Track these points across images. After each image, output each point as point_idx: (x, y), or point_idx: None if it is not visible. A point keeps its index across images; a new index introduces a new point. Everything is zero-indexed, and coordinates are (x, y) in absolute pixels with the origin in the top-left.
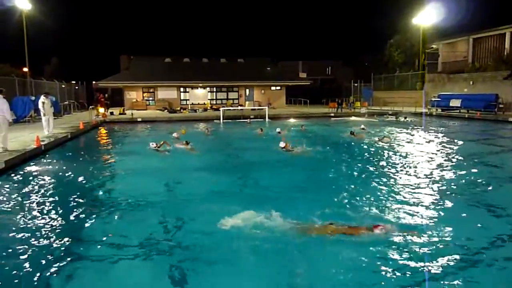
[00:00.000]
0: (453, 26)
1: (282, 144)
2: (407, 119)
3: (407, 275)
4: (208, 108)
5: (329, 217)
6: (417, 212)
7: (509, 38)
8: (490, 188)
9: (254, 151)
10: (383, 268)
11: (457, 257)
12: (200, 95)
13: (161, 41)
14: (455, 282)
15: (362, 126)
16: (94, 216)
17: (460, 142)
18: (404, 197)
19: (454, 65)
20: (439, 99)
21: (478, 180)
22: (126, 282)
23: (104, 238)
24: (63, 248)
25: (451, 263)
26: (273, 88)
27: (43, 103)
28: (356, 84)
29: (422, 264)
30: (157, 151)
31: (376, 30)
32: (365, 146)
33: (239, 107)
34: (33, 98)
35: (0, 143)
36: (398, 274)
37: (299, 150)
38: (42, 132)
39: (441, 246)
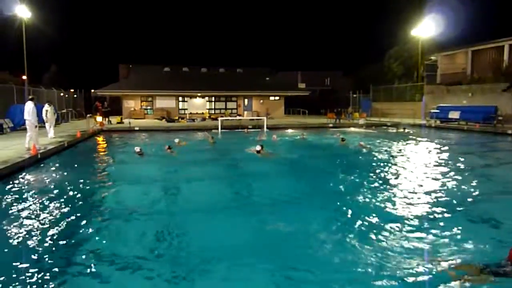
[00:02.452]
0: (452, 38)
1: (258, 148)
2: (406, 130)
3: None
4: (207, 117)
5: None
6: (412, 226)
7: (508, 51)
8: (489, 202)
9: (250, 161)
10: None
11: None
12: (198, 104)
13: (160, 50)
14: None
15: (341, 136)
16: (89, 226)
17: (459, 155)
18: (398, 210)
19: (453, 76)
20: (438, 111)
21: (476, 194)
22: None
23: (99, 250)
24: (54, 260)
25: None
26: (272, 98)
27: (47, 111)
28: (355, 95)
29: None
30: (171, 152)
31: (375, 42)
32: (357, 156)
33: (238, 117)
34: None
35: (26, 143)
36: None
37: (272, 155)
38: (46, 138)
39: (437, 264)
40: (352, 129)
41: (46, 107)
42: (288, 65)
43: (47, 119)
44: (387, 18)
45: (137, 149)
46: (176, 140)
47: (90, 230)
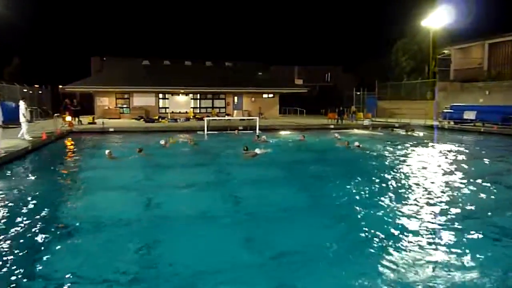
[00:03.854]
0: (467, 29)
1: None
2: (414, 132)
3: None
4: (191, 117)
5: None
6: (427, 238)
7: None
8: (509, 213)
9: (239, 167)
10: None
11: None
12: (182, 102)
13: (138, 40)
14: None
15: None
16: (49, 245)
17: (475, 160)
18: (411, 222)
19: (468, 72)
20: (452, 111)
21: (495, 205)
22: None
23: (58, 272)
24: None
25: None
26: (265, 95)
27: (26, 108)
28: (358, 93)
29: None
30: (143, 154)
31: (381, 33)
32: (362, 161)
33: (226, 117)
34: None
35: None
36: None
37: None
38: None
39: (452, 277)
40: (356, 131)
41: (23, 104)
42: (283, 58)
43: (26, 118)
44: (394, 6)
45: (108, 152)
46: (162, 142)
47: (50, 248)
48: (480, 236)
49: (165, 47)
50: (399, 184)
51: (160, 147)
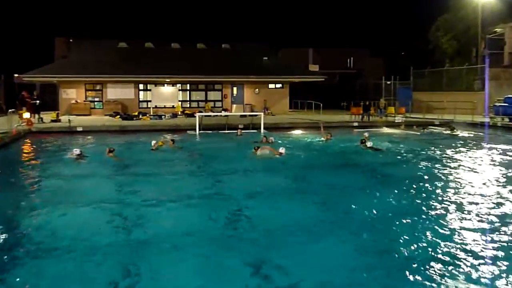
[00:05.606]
0: None
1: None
2: (457, 131)
3: None
4: (179, 113)
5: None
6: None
7: None
8: None
9: (241, 175)
10: None
11: None
12: (167, 95)
13: (114, 18)
14: None
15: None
16: (11, 266)
17: None
18: (460, 246)
19: None
20: (506, 104)
21: None
22: None
23: None
24: None
25: None
26: (271, 86)
27: None
28: (389, 82)
29: None
30: (114, 157)
31: (417, 8)
32: (394, 169)
33: (224, 113)
34: None
35: None
36: None
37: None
38: None
39: None
40: (386, 129)
41: None
42: (296, 39)
43: None
44: None
45: (76, 151)
46: (153, 143)
47: (10, 272)
48: None
49: (147, 26)
50: (444, 202)
51: (148, 151)
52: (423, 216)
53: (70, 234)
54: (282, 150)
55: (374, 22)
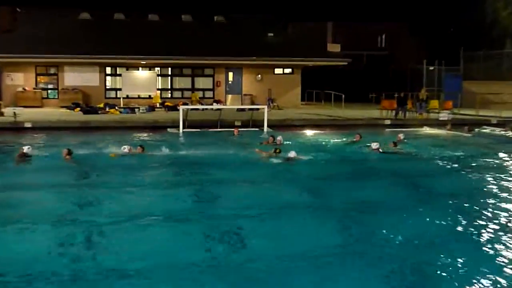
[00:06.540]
0: None
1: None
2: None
3: None
4: (158, 105)
5: None
6: None
7: None
8: None
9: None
10: None
11: None
12: (143, 81)
13: None
14: None
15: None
16: None
17: None
18: None
19: None
20: None
21: None
22: None
23: None
24: None
25: None
26: (278, 70)
27: None
28: (432, 68)
29: None
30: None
31: None
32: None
33: (216, 106)
34: None
35: None
36: None
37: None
38: None
39: None
40: (427, 129)
41: None
42: (310, 10)
43: None
44: None
45: (24, 149)
46: (126, 149)
47: None
48: None
49: None
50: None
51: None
52: (477, 246)
53: (16, 259)
54: (292, 154)
55: None
